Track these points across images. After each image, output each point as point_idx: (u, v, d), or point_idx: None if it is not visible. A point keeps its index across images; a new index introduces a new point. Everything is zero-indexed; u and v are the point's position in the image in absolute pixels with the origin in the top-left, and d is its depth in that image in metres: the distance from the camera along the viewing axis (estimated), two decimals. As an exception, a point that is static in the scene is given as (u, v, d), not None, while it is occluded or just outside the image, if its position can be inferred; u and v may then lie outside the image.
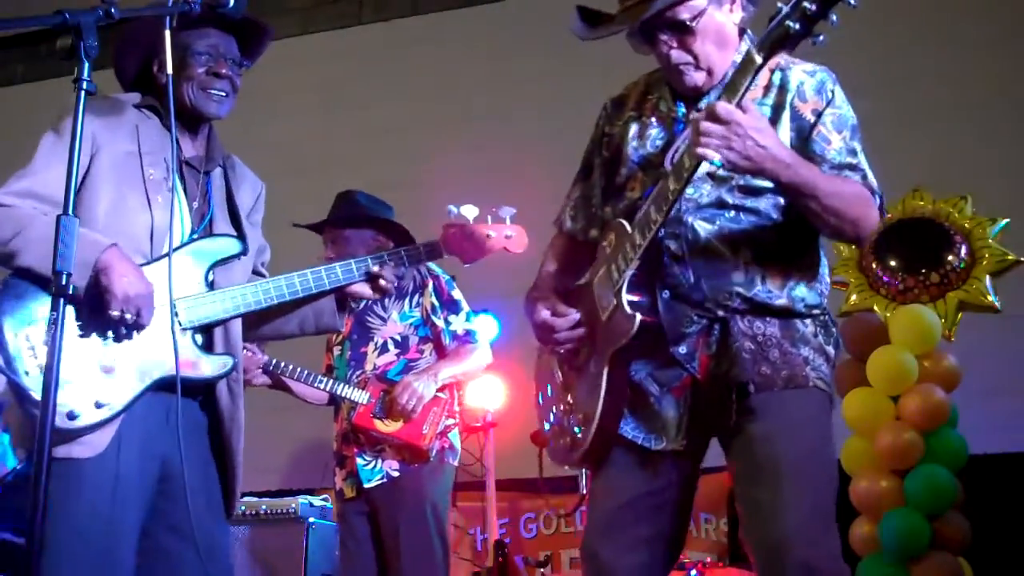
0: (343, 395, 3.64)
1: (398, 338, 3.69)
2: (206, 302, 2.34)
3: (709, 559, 4.53)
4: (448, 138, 6.11)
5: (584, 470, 4.14)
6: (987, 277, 4.00)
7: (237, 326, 2.43)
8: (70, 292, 1.82)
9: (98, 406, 2.18)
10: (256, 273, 2.57)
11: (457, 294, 3.75)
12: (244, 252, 2.45)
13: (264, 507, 4.43)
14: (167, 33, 2.08)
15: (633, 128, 2.28)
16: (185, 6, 2.05)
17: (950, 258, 4.05)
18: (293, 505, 4.40)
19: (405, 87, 6.42)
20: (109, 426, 2.20)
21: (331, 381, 3.67)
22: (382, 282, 2.50)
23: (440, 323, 3.67)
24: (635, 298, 2.09)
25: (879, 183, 2.15)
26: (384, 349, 3.69)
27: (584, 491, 4.43)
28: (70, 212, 1.83)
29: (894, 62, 5.39)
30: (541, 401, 2.40)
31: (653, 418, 2.16)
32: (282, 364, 3.66)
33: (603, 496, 2.21)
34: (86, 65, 1.88)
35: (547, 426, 2.35)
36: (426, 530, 3.51)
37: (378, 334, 3.70)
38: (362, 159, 6.03)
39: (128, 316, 2.18)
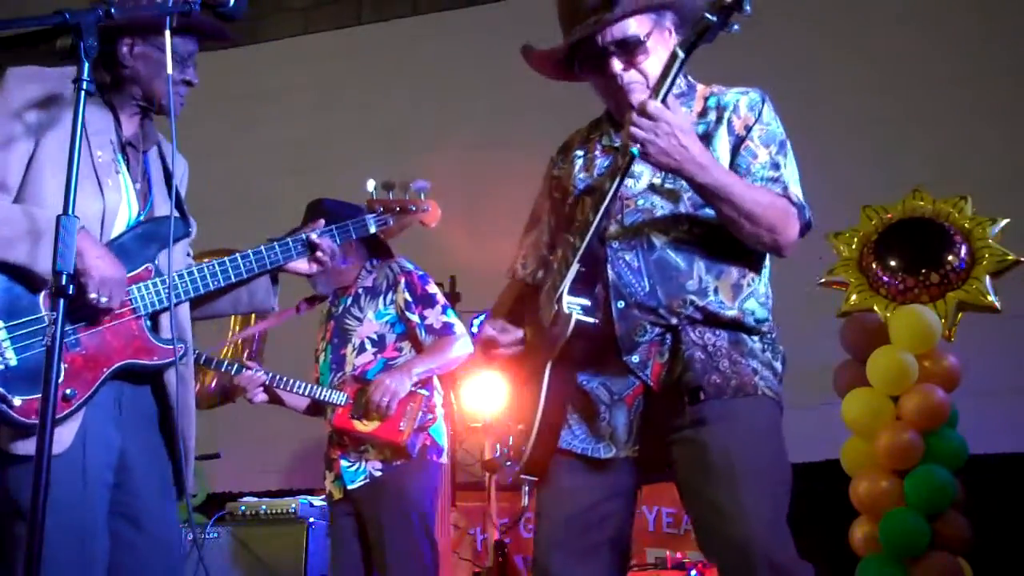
0: (322, 398, 3.63)
1: (375, 337, 3.67)
2: (159, 287, 2.30)
3: (709, 559, 4.52)
4: (448, 138, 6.11)
5: (526, 486, 4.15)
6: (987, 277, 4.00)
7: (185, 310, 2.40)
8: (69, 292, 1.81)
9: (65, 399, 2.12)
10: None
11: (432, 288, 3.72)
12: (188, 234, 2.43)
13: (264, 507, 4.43)
14: (167, 33, 2.08)
15: (579, 163, 2.35)
16: (185, 6, 2.04)
17: (950, 258, 4.05)
18: (293, 505, 4.40)
19: (405, 87, 6.42)
20: (73, 419, 2.15)
21: (310, 385, 3.66)
22: (319, 254, 2.52)
23: (415, 318, 3.64)
24: (577, 300, 2.12)
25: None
26: (362, 349, 3.67)
27: (526, 502, 4.42)
28: (70, 212, 1.83)
29: (896, 63, 5.38)
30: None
31: (603, 427, 2.19)
32: (279, 377, 3.65)
33: (550, 509, 2.23)
34: (86, 65, 1.89)
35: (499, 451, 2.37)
36: (410, 529, 3.48)
37: (355, 335, 3.68)
38: (362, 159, 6.02)
39: (103, 299, 2.15)
